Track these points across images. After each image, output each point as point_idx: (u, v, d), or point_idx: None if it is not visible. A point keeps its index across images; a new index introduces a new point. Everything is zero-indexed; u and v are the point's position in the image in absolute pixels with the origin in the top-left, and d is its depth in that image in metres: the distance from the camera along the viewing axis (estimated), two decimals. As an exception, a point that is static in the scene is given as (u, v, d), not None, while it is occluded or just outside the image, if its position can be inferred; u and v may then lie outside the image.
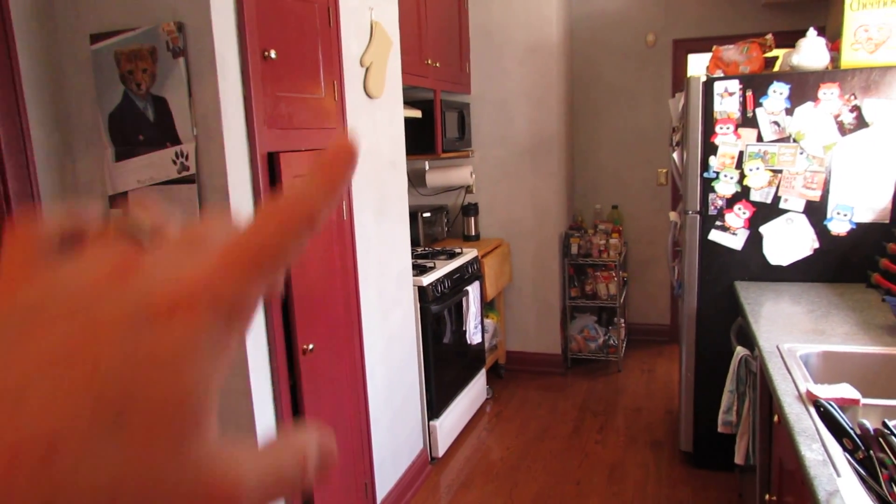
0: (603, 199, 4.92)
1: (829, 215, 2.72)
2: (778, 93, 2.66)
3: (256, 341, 1.96)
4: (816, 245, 2.75)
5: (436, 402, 3.29)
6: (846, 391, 1.55)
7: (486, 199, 4.41)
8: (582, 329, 4.56)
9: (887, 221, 2.64)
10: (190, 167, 1.84)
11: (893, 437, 1.07)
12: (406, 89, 3.11)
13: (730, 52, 2.84)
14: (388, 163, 2.82)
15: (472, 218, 4.29)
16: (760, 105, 2.70)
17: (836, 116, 2.62)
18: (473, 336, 3.66)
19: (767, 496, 2.02)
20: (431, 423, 3.28)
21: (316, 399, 2.21)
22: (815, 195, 2.71)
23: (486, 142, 4.35)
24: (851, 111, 2.60)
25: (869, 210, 2.66)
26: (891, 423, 1.11)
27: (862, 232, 2.69)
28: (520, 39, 4.20)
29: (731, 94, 2.72)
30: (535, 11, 4.16)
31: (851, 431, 1.14)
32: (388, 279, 2.83)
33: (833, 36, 2.77)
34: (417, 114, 3.43)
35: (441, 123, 3.64)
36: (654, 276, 4.98)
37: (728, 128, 2.76)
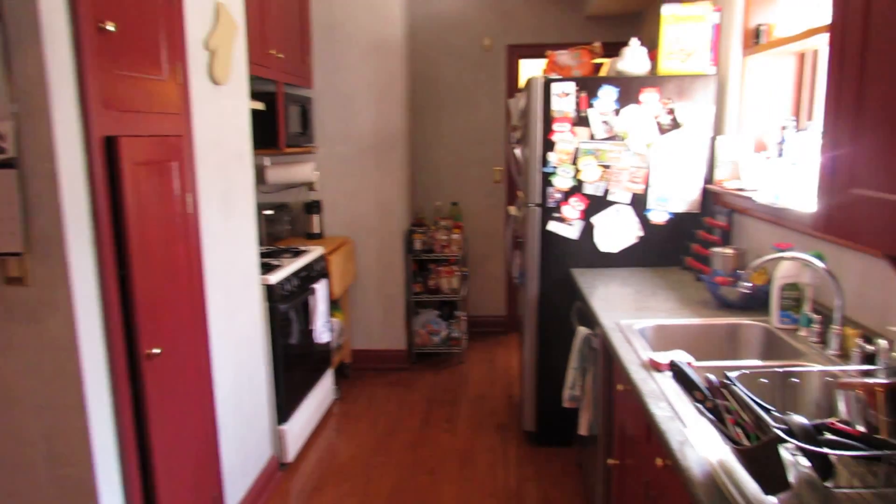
0: (443, 196, 5.07)
1: (649, 206, 3.04)
2: (607, 95, 2.93)
3: (92, 347, 1.75)
4: (640, 233, 3.07)
5: (285, 405, 3.17)
6: (680, 356, 1.75)
7: (329, 197, 4.34)
8: (425, 323, 4.66)
9: (698, 211, 3.02)
10: (7, 149, 1.60)
11: (734, 387, 1.24)
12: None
13: (563, 57, 3.07)
14: (235, 154, 2.66)
15: (316, 216, 4.20)
16: (592, 106, 2.96)
17: (656, 118, 2.95)
18: (321, 335, 3.58)
19: (609, 460, 2.21)
20: (280, 427, 3.16)
21: (161, 409, 2.03)
22: (639, 188, 3.02)
23: (330, 138, 4.28)
24: (668, 113, 2.93)
25: (682, 201, 3.02)
26: (731, 375, 1.28)
27: (677, 221, 3.04)
28: (363, 36, 4.19)
29: (567, 95, 2.94)
30: (378, 8, 4.17)
31: (701, 385, 1.30)
32: (235, 277, 2.68)
33: (652, 46, 3.11)
34: (261, 106, 3.28)
35: (284, 117, 3.52)
36: (490, 270, 5.23)
37: (564, 126, 2.98)
